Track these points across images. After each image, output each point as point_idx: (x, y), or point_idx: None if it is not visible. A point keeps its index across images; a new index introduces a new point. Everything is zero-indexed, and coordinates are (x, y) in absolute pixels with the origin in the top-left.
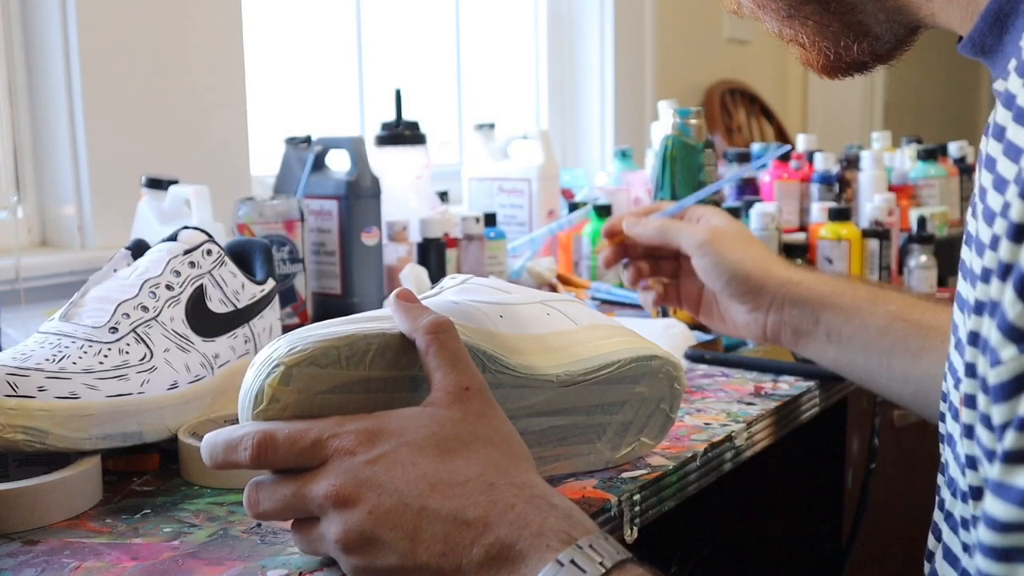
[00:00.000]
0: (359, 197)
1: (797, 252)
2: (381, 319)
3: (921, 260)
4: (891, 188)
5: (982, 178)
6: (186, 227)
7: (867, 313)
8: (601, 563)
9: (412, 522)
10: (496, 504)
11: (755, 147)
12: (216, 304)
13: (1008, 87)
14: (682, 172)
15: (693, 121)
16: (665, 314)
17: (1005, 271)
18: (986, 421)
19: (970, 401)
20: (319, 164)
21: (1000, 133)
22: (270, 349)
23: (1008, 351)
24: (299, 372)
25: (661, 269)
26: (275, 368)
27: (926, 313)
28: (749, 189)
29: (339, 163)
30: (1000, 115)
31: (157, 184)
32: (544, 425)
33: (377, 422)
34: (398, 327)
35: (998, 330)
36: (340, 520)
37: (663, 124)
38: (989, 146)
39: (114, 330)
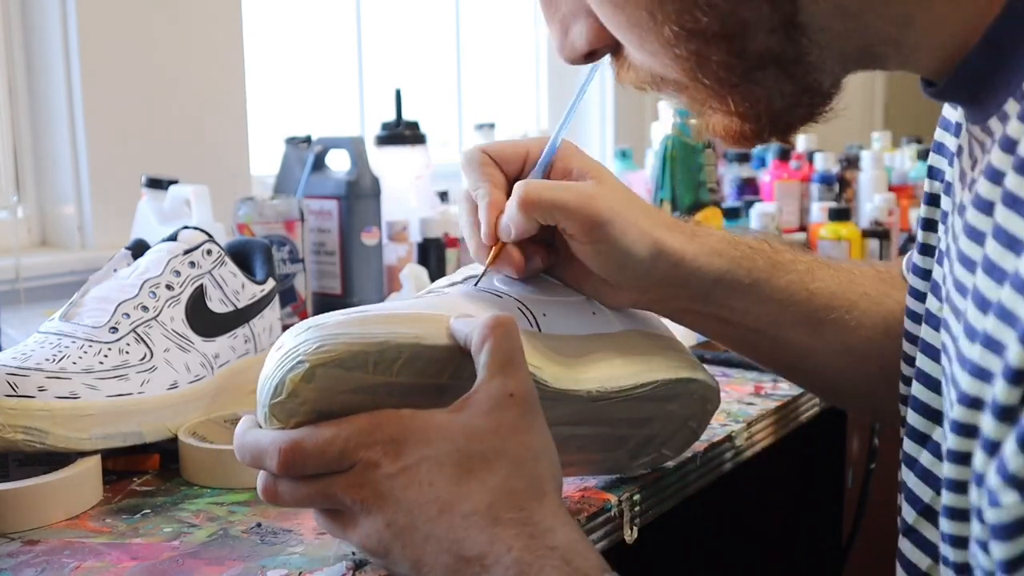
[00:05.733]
0: (359, 197)
1: None
2: (417, 321)
3: None
4: (891, 188)
5: (970, 217)
6: (186, 227)
7: (764, 286)
8: None
9: (420, 545)
10: (495, 545)
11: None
12: (216, 304)
13: (1009, 132)
14: (682, 172)
15: (693, 121)
16: None
17: (1004, 413)
18: (982, 545)
19: (955, 487)
20: (319, 164)
21: (997, 177)
22: (297, 339)
23: (1009, 497)
24: (323, 372)
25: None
26: (299, 364)
27: (830, 280)
28: (749, 189)
29: (339, 163)
30: (996, 158)
31: (157, 184)
32: (565, 434)
33: (404, 431)
34: (455, 332)
35: (997, 474)
36: (362, 525)
37: (663, 124)
38: (981, 186)
39: (114, 330)
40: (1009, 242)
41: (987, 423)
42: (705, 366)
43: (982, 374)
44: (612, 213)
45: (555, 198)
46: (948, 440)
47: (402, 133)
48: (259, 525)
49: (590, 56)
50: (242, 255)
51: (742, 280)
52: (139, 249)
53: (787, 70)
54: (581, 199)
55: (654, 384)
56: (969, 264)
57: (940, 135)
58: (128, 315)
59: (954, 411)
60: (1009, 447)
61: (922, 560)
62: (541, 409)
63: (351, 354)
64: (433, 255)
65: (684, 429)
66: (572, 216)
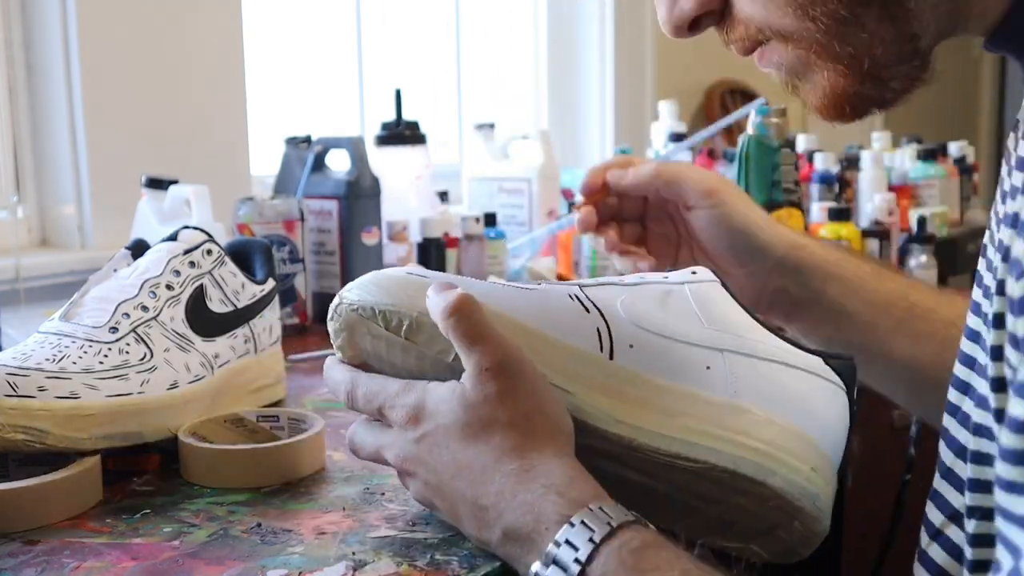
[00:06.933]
0: (359, 197)
1: None
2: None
3: (921, 260)
4: (891, 188)
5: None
6: (186, 227)
7: (871, 289)
8: (591, 539)
9: (450, 500)
10: (503, 494)
11: None
12: (216, 304)
13: None
14: (756, 171)
15: (773, 120)
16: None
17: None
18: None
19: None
20: (319, 164)
21: None
22: (351, 290)
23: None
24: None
25: (626, 232)
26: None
27: (928, 296)
28: None
29: (339, 163)
30: None
31: (157, 184)
32: (613, 472)
33: (420, 399)
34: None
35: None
36: (412, 485)
37: (663, 124)
38: None
39: (114, 330)
40: None
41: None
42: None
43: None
44: (726, 183)
45: (679, 169)
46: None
47: (402, 133)
48: (259, 525)
49: (695, 25)
50: (242, 255)
51: (850, 277)
52: (139, 249)
53: (889, 9)
54: (698, 172)
55: (701, 463)
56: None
57: None
58: (128, 315)
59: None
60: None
61: (957, 499)
62: (526, 369)
63: (382, 313)
64: (433, 255)
65: (770, 536)
66: (689, 181)
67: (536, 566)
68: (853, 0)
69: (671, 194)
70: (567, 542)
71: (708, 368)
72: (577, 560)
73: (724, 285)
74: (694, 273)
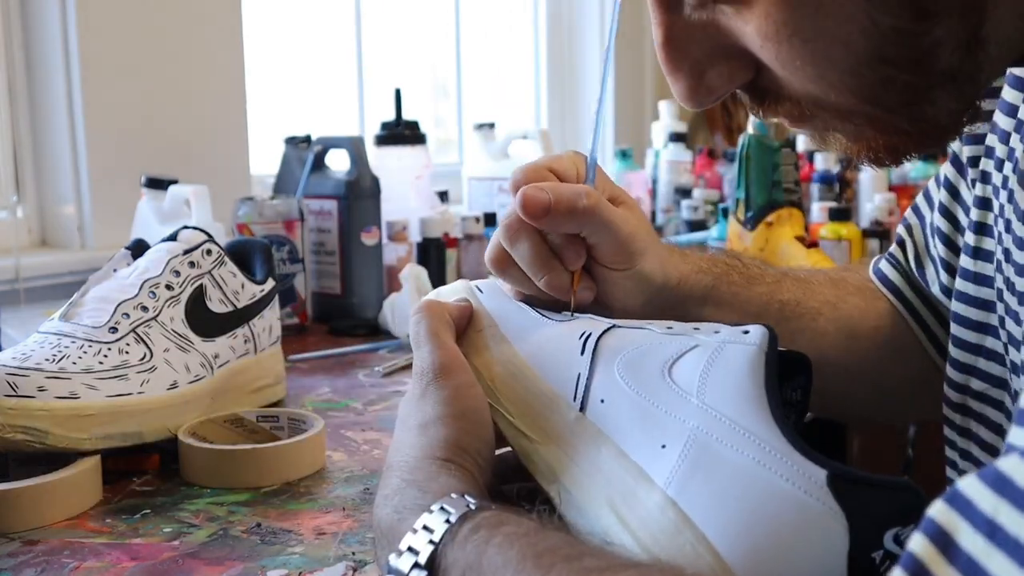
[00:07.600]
0: (359, 197)
1: None
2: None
3: None
4: (891, 188)
5: None
6: (186, 227)
7: (743, 300)
8: (447, 520)
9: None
10: (387, 487)
11: None
12: (216, 304)
13: None
14: (756, 171)
15: (773, 120)
16: None
17: None
18: None
19: None
20: (319, 164)
21: None
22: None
23: None
24: None
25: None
26: None
27: (794, 289)
28: None
29: (339, 163)
30: None
31: (157, 184)
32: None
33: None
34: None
35: None
36: None
37: (663, 124)
38: None
39: (114, 330)
40: None
41: None
42: None
43: None
44: (644, 245)
45: (606, 220)
46: None
47: (402, 133)
48: (259, 525)
49: (719, 97)
50: (242, 255)
51: (724, 294)
52: (139, 249)
53: (961, 88)
54: (628, 228)
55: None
56: None
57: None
58: (128, 315)
59: None
60: None
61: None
62: (451, 383)
63: None
64: (433, 255)
65: None
66: (616, 244)
67: (391, 557)
68: (928, 85)
69: (590, 241)
70: (424, 527)
71: (663, 447)
72: (431, 541)
73: (770, 355)
74: (745, 333)
